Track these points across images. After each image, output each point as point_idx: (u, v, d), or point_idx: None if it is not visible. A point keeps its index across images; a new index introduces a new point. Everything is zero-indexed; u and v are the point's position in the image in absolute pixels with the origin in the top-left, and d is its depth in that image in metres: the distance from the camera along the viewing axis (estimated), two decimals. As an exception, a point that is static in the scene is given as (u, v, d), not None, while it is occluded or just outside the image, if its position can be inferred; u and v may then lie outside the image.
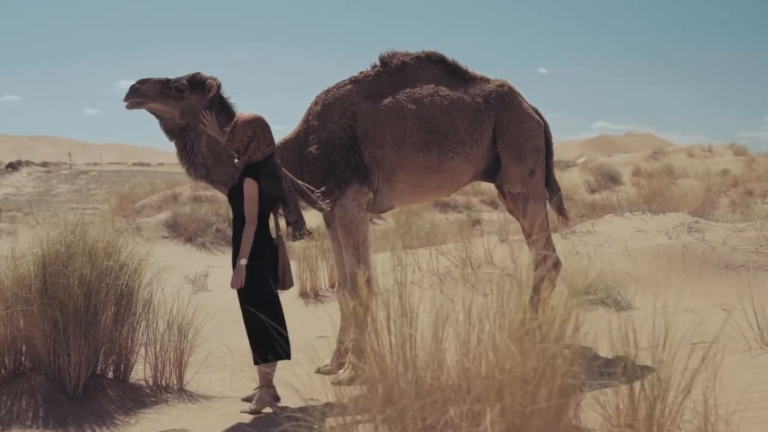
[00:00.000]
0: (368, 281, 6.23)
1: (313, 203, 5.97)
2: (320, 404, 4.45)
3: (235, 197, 5.60)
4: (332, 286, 10.07)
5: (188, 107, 6.12)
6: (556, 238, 10.51)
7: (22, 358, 5.97)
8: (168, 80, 6.12)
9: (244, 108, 6.26)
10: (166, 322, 6.14)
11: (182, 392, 6.04)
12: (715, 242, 9.40)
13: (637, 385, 3.54)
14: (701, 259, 9.02)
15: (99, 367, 6.02)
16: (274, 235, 5.79)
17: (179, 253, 15.49)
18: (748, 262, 8.94)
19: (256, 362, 5.57)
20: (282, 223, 5.89)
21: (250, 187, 5.50)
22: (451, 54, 6.62)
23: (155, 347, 6.11)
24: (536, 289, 6.60)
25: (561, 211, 6.97)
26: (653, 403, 3.49)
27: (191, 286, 10.55)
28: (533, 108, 6.74)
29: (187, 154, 6.19)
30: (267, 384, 5.55)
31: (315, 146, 6.20)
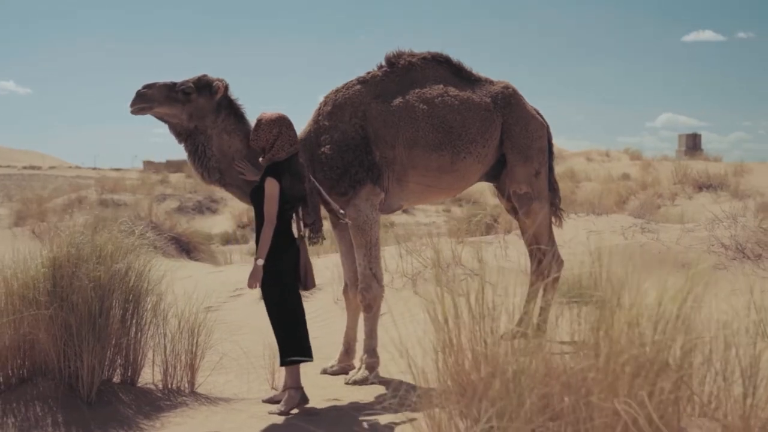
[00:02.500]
0: (379, 281, 6.29)
1: (330, 209, 6.01)
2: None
3: (257, 197, 5.56)
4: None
5: (196, 110, 6.02)
6: (515, 239, 10.78)
7: (27, 363, 5.78)
8: (174, 84, 6.02)
9: (251, 109, 6.24)
10: (177, 324, 6.03)
11: (196, 395, 5.96)
12: (669, 242, 9.81)
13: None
14: (658, 259, 9.39)
15: (107, 372, 5.87)
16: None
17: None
18: (701, 261, 9.34)
19: (283, 363, 5.53)
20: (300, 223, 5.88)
21: (271, 187, 5.48)
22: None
23: (165, 350, 6.00)
24: (533, 284, 6.85)
25: (556, 212, 7.16)
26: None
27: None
28: (535, 109, 6.90)
29: (199, 157, 6.10)
30: (296, 385, 5.53)
31: (328, 146, 6.20)
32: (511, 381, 3.54)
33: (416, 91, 6.41)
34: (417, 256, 9.69)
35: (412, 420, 5.04)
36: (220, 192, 31.58)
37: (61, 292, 5.64)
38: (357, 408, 5.57)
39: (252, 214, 20.99)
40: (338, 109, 6.34)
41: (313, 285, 5.75)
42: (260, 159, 5.73)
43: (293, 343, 5.52)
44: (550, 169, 7.02)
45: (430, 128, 6.30)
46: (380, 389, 6.00)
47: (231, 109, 6.15)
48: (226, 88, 6.12)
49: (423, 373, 4.19)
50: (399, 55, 6.57)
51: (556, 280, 6.68)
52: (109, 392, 5.75)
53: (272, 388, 6.17)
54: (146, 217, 18.30)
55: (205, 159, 6.10)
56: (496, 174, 6.73)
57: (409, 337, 7.22)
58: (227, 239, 23.06)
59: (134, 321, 5.98)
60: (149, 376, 6.06)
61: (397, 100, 6.34)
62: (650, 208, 13.88)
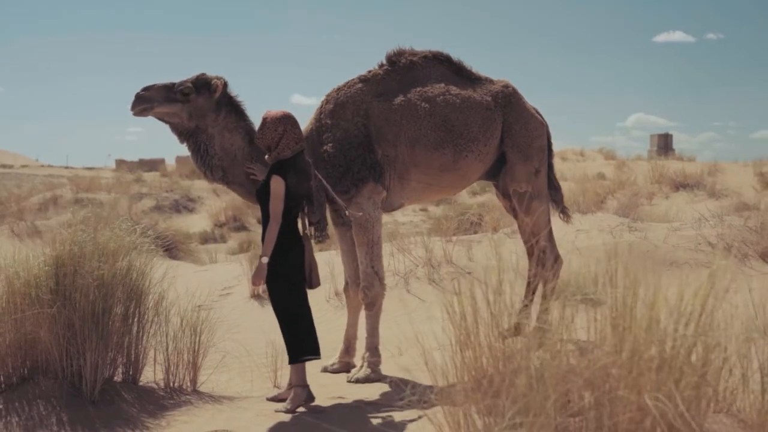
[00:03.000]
0: (381, 279, 6.31)
1: (335, 206, 6.03)
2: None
3: (263, 195, 5.55)
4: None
5: (195, 109, 6.03)
6: (503, 238, 10.84)
7: (27, 362, 5.74)
8: (173, 84, 6.03)
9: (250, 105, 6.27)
10: (179, 322, 6.02)
11: (199, 394, 5.96)
12: (657, 241, 9.91)
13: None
14: (647, 257, 9.48)
15: (108, 370, 5.84)
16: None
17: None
18: (690, 259, 9.46)
19: (292, 361, 5.53)
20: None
21: (277, 185, 5.47)
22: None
23: (167, 348, 5.99)
24: (531, 283, 6.90)
25: (563, 210, 7.22)
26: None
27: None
28: (533, 108, 6.95)
29: (201, 156, 6.10)
30: (302, 383, 5.53)
31: (331, 144, 6.21)
32: (534, 377, 3.55)
33: (418, 89, 6.42)
34: (408, 254, 9.71)
35: (420, 417, 5.09)
36: (196, 191, 31.55)
37: (64, 291, 5.62)
38: (363, 405, 5.59)
39: (231, 213, 20.76)
40: (340, 107, 6.34)
41: (318, 284, 5.75)
42: (266, 157, 5.73)
43: (301, 341, 5.53)
44: (550, 168, 7.07)
45: (433, 127, 6.32)
46: (384, 386, 6.03)
47: (231, 107, 6.15)
48: (225, 85, 6.12)
49: (438, 369, 4.17)
50: (400, 54, 6.58)
51: (556, 278, 6.73)
52: (111, 391, 5.72)
53: (274, 386, 6.18)
54: (126, 216, 18.15)
55: (207, 157, 6.09)
56: (495, 172, 6.76)
57: (405, 335, 7.28)
58: (206, 238, 22.96)
59: (136, 319, 5.96)
60: (150, 374, 6.05)
61: (399, 99, 6.35)
62: (632, 207, 13.96)
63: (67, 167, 58.96)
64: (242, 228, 24.89)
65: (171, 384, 5.99)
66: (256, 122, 5.94)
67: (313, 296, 9.39)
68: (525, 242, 7.14)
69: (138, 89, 6.02)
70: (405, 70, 6.53)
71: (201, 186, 33.31)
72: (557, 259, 6.88)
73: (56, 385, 5.62)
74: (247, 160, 6.09)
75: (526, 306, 7.08)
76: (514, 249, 10.15)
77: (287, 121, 5.60)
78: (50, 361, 5.67)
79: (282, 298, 5.54)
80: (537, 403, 3.48)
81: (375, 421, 5.17)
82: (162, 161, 61.24)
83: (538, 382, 3.57)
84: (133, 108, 5.97)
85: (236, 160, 6.12)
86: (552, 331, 3.77)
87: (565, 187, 27.94)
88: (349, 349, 6.59)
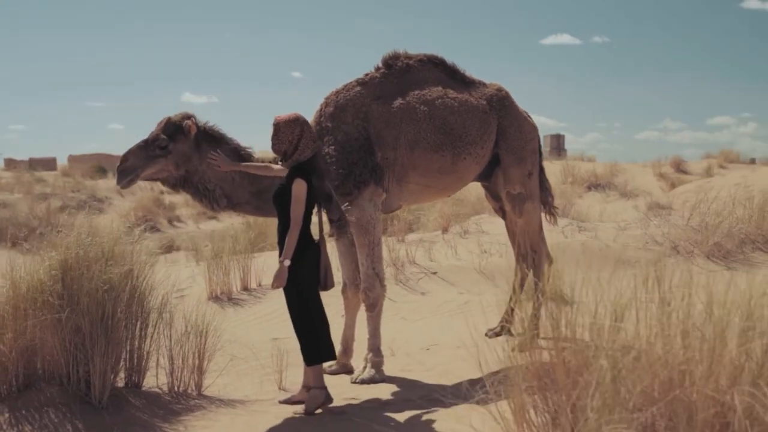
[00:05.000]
0: (381, 280, 6.37)
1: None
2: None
3: (282, 198, 5.53)
4: (245, 288, 9.97)
5: (179, 157, 6.00)
6: (456, 237, 11.02)
7: (29, 369, 5.57)
8: (146, 142, 5.98)
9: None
10: (184, 326, 5.95)
11: (207, 398, 5.90)
12: (607, 240, 10.26)
13: None
14: (600, 256, 9.81)
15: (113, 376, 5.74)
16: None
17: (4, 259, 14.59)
18: (640, 258, 9.82)
19: (309, 363, 5.54)
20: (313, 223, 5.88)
21: (300, 188, 5.45)
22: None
23: (171, 352, 5.91)
24: (520, 282, 7.07)
25: (550, 210, 7.41)
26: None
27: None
28: (525, 111, 7.11)
29: (203, 195, 6.15)
30: (320, 385, 5.55)
31: (332, 147, 6.24)
32: (608, 374, 3.66)
33: (416, 92, 6.50)
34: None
35: (441, 417, 5.17)
36: (102, 191, 30.78)
37: (71, 295, 5.48)
38: (379, 406, 5.63)
39: (141, 213, 20.37)
40: (340, 110, 6.37)
41: (333, 285, 5.76)
42: (280, 163, 5.71)
43: (318, 343, 5.54)
44: (541, 170, 7.25)
45: (432, 129, 6.42)
46: (390, 386, 6.09)
47: (209, 137, 6.13)
48: (196, 122, 6.07)
49: (486, 366, 4.26)
50: (395, 57, 6.65)
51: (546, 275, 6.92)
52: (117, 396, 5.61)
53: (279, 388, 6.16)
54: (44, 218, 17.70)
55: (209, 193, 6.13)
56: (487, 174, 6.90)
57: (391, 336, 7.34)
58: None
59: (139, 323, 5.86)
60: (152, 379, 5.96)
61: (398, 102, 6.43)
62: (568, 208, 14.35)
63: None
64: (155, 229, 24.49)
65: (176, 388, 5.91)
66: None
67: (279, 299, 9.42)
68: (513, 243, 7.30)
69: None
70: (401, 73, 6.60)
71: (106, 186, 32.62)
72: (548, 258, 7.06)
73: (61, 392, 5.48)
74: (245, 180, 6.13)
75: (514, 305, 7.29)
76: (471, 248, 10.41)
77: (302, 121, 5.58)
78: (54, 367, 5.53)
79: (297, 300, 5.54)
80: (621, 400, 3.60)
81: (424, 419, 5.23)
82: (53, 160, 59.51)
83: (613, 380, 3.68)
84: (119, 183, 5.96)
85: (235, 182, 6.15)
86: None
87: (479, 189, 28.43)
88: (347, 350, 6.62)
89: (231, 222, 21.99)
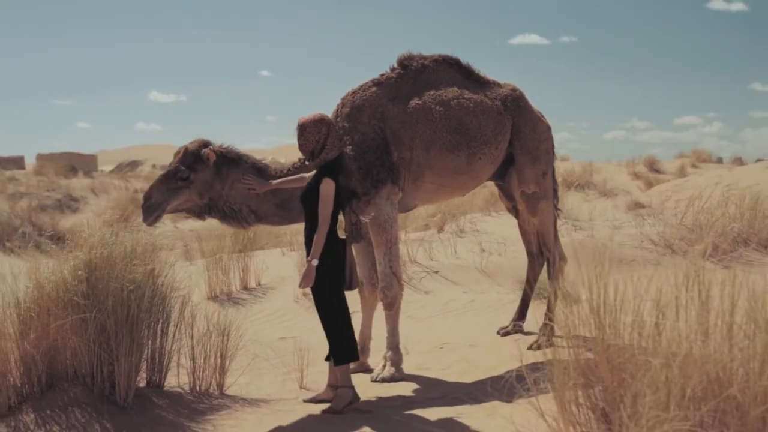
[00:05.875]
0: (399, 278, 6.41)
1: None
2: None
3: (310, 198, 5.54)
4: (244, 287, 9.96)
5: (201, 186, 6.08)
6: (453, 237, 11.08)
7: (51, 369, 5.54)
8: (166, 175, 6.05)
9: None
10: (206, 325, 5.96)
11: (230, 397, 5.90)
12: (604, 239, 10.37)
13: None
14: (597, 255, 9.90)
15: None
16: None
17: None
18: (637, 256, 9.96)
19: (338, 362, 5.56)
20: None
21: (328, 188, 5.47)
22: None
23: (193, 351, 5.91)
24: (531, 281, 7.15)
25: (554, 210, 7.48)
26: None
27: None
28: (539, 111, 7.17)
29: (231, 218, 6.27)
30: (348, 384, 5.56)
31: (350, 147, 6.26)
32: (663, 373, 3.71)
33: (431, 93, 6.55)
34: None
35: (471, 413, 5.22)
36: (77, 190, 30.51)
37: (96, 295, 5.46)
38: (404, 404, 5.65)
39: (119, 212, 20.13)
40: (357, 110, 6.40)
41: (357, 285, 5.79)
42: (306, 163, 5.72)
43: (345, 343, 5.56)
44: (552, 169, 7.32)
45: (447, 130, 6.46)
46: (411, 384, 6.11)
47: (228, 160, 6.18)
48: (213, 149, 6.12)
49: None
50: (410, 58, 6.70)
51: (562, 275, 7.01)
52: (141, 396, 5.61)
53: (301, 387, 6.17)
54: (25, 216, 17.53)
55: (235, 214, 6.24)
56: (501, 174, 6.95)
57: (413, 334, 7.37)
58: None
59: (160, 323, 5.85)
60: (173, 379, 5.95)
61: (414, 102, 6.47)
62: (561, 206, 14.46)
63: None
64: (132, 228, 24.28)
65: (197, 388, 5.91)
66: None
67: (280, 297, 9.44)
68: (526, 242, 7.37)
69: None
70: (416, 73, 6.65)
71: (80, 185, 32.37)
72: (562, 257, 7.13)
73: (85, 392, 5.46)
74: (268, 192, 6.20)
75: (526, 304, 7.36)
76: (470, 247, 10.48)
77: (328, 121, 5.61)
78: (78, 367, 5.52)
79: (326, 300, 5.55)
80: (675, 398, 3.64)
81: (456, 416, 5.25)
82: (22, 159, 58.93)
83: (666, 378, 3.73)
84: (146, 221, 6.03)
85: (259, 197, 6.22)
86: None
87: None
88: (363, 349, 6.63)
89: (210, 222, 21.99)
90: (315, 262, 5.42)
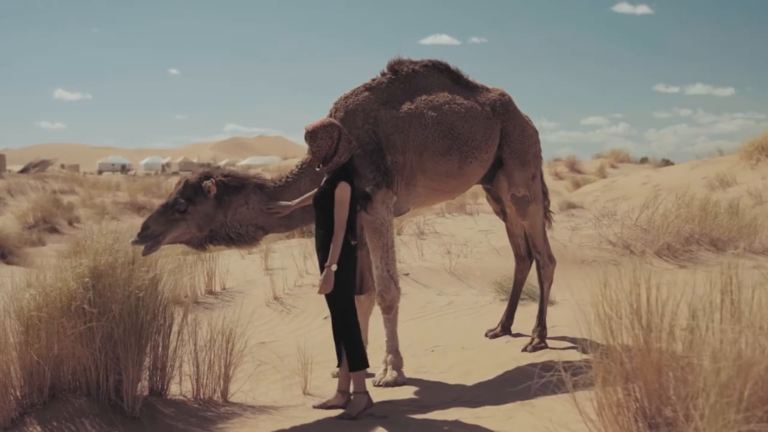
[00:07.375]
0: (396, 282, 6.43)
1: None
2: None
3: (324, 203, 5.51)
4: (210, 292, 9.82)
5: (201, 218, 6.05)
6: (415, 239, 11.13)
7: (54, 379, 5.39)
8: (165, 206, 5.99)
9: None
10: (209, 332, 5.87)
11: (236, 405, 5.83)
12: (564, 240, 10.56)
13: None
14: (559, 256, 10.09)
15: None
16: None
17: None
18: (597, 257, 10.18)
19: (353, 369, 5.55)
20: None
21: (344, 192, 5.46)
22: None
23: (197, 359, 5.82)
24: (519, 284, 7.25)
25: (546, 214, 7.58)
26: None
27: None
28: (527, 116, 7.27)
29: (237, 242, 6.25)
30: (363, 389, 5.56)
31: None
32: (718, 376, 3.78)
33: (423, 98, 6.61)
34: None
35: (488, 415, 5.27)
36: (-5, 192, 29.50)
37: (104, 303, 5.34)
38: (418, 408, 5.67)
39: (40, 214, 19.84)
40: (350, 115, 6.41)
41: (368, 290, 5.79)
42: (317, 168, 5.70)
43: (358, 349, 5.55)
44: (540, 173, 7.43)
45: (440, 134, 6.53)
46: (416, 388, 6.13)
47: (230, 188, 6.15)
48: (215, 181, 6.06)
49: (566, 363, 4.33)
50: (400, 63, 6.74)
51: (550, 277, 7.13)
52: (147, 405, 5.49)
53: (305, 393, 6.14)
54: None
55: (241, 237, 6.23)
56: (489, 177, 7.03)
57: (399, 337, 7.38)
58: (22, 241, 21.66)
59: (163, 331, 5.75)
60: (175, 387, 5.85)
61: (406, 107, 6.52)
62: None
63: None
64: (54, 230, 23.78)
65: (201, 395, 5.82)
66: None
67: (250, 301, 9.32)
68: (514, 245, 7.47)
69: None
70: (408, 78, 6.69)
71: (-2, 186, 31.33)
72: (551, 259, 7.24)
73: (90, 402, 5.32)
74: (270, 204, 6.19)
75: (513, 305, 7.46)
76: (434, 249, 10.55)
77: (338, 124, 5.62)
78: (82, 376, 5.37)
79: (340, 305, 5.54)
80: (735, 398, 3.71)
81: (496, 420, 5.28)
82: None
83: (718, 379, 3.80)
84: (143, 251, 5.82)
85: (263, 212, 6.20)
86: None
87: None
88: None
89: (132, 222, 21.54)
90: (334, 267, 5.39)
